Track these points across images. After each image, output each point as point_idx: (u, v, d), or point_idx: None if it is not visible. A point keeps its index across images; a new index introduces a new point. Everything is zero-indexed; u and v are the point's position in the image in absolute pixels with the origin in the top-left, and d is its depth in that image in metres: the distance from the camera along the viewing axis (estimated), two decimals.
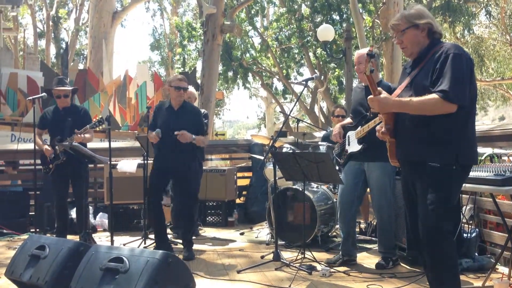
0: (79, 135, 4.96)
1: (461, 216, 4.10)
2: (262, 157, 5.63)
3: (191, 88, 5.95)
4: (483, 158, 4.20)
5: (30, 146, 6.10)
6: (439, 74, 2.61)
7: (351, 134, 4.30)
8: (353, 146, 4.24)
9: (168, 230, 5.60)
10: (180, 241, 5.28)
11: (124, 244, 5.13)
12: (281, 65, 19.19)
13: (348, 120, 4.54)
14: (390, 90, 3.86)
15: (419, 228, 2.72)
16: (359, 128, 4.18)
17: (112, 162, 4.87)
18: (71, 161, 5.07)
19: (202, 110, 6.08)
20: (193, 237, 5.79)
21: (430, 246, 2.67)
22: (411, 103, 2.65)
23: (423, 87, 2.66)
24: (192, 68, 18.05)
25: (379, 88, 2.77)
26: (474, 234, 4.12)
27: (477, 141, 2.80)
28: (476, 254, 4.09)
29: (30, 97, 5.78)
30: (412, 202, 2.85)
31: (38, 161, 5.36)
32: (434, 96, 2.57)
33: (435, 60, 2.66)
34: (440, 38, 2.82)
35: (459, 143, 2.64)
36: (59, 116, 5.24)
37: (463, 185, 2.89)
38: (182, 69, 19.43)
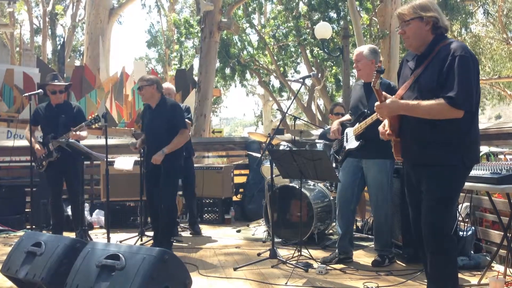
0: (74, 133, 4.93)
1: (457, 214, 4.11)
2: (259, 155, 5.63)
3: (168, 84, 5.93)
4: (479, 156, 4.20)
5: (26, 142, 6.06)
6: (446, 78, 2.60)
7: (349, 131, 4.30)
8: (351, 143, 4.25)
9: None
10: (179, 239, 5.28)
11: (120, 241, 5.12)
12: (278, 63, 19.18)
13: (347, 117, 4.54)
14: (390, 88, 3.88)
15: (422, 225, 2.73)
16: (357, 125, 4.18)
17: (108, 159, 4.86)
18: (65, 158, 5.04)
19: (183, 105, 6.04)
20: (195, 236, 5.78)
21: (432, 243, 2.70)
22: (419, 108, 2.64)
23: (429, 89, 2.65)
24: (189, 65, 18.03)
25: (384, 93, 2.77)
26: (470, 232, 4.13)
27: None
28: (472, 252, 4.10)
29: (26, 94, 5.75)
30: (416, 199, 2.86)
31: None
32: (441, 101, 2.57)
33: (441, 61, 2.64)
34: (445, 33, 2.78)
35: (464, 144, 2.66)
36: (52, 112, 5.19)
37: None
38: (179, 66, 19.39)
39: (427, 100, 2.62)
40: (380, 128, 2.96)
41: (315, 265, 4.11)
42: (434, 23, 2.74)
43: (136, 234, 5.33)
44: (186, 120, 5.68)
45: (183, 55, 19.97)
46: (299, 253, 4.29)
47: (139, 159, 5.49)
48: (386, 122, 2.89)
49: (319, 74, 18.07)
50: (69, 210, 5.78)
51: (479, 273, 3.68)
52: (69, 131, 4.92)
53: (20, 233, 5.79)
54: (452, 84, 2.57)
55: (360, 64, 4.16)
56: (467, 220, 4.29)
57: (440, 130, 2.64)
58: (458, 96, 2.54)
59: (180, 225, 5.97)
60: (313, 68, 18.39)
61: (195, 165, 6.28)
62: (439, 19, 2.74)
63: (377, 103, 2.79)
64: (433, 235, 2.68)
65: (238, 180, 7.47)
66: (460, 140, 2.65)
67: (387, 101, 2.74)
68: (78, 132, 4.96)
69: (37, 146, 5.11)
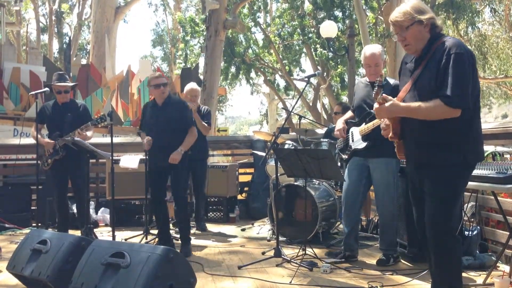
0: (80, 133, 4.94)
1: (463, 214, 4.10)
2: (264, 154, 5.64)
3: (193, 85, 5.92)
4: (485, 156, 4.19)
5: (32, 140, 6.10)
6: (443, 77, 2.59)
7: (355, 130, 4.29)
8: (358, 143, 4.24)
9: (171, 226, 5.60)
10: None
11: (125, 239, 5.14)
12: (283, 61, 19.16)
13: (350, 113, 4.51)
14: (395, 89, 3.86)
15: (426, 225, 2.72)
16: (363, 125, 4.17)
17: (114, 157, 4.87)
18: (71, 156, 5.05)
19: (205, 107, 6.03)
20: (199, 232, 5.81)
21: (436, 243, 2.69)
22: (419, 110, 2.63)
23: (429, 90, 2.64)
24: (195, 64, 18.05)
25: (384, 95, 2.76)
26: (475, 232, 4.11)
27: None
28: (477, 252, 4.09)
29: (33, 92, 5.77)
30: (419, 199, 2.85)
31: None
32: (438, 102, 2.56)
33: (437, 61, 2.62)
34: (440, 31, 2.77)
35: (465, 143, 2.64)
36: (59, 111, 5.21)
37: None
38: (185, 64, 19.41)
39: (427, 101, 2.61)
40: (382, 124, 2.95)
41: (320, 264, 4.11)
42: (432, 24, 2.72)
43: (141, 232, 5.35)
44: (205, 123, 5.65)
45: (189, 53, 19.98)
46: (304, 252, 4.29)
47: (144, 157, 5.50)
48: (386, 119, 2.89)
49: (325, 73, 18.04)
50: (74, 208, 5.81)
51: (485, 273, 3.66)
52: (75, 130, 4.94)
53: (26, 230, 5.82)
54: (447, 84, 2.55)
55: (378, 68, 4.10)
56: (472, 219, 4.28)
57: (440, 129, 2.63)
58: (453, 95, 2.53)
59: None
60: (318, 67, 18.35)
61: None
62: (435, 19, 2.73)
63: (376, 106, 2.80)
64: (436, 235, 2.68)
65: (243, 178, 7.48)
66: (461, 138, 2.63)
67: (386, 104, 2.73)
68: (84, 132, 4.97)
69: (46, 140, 5.13)
